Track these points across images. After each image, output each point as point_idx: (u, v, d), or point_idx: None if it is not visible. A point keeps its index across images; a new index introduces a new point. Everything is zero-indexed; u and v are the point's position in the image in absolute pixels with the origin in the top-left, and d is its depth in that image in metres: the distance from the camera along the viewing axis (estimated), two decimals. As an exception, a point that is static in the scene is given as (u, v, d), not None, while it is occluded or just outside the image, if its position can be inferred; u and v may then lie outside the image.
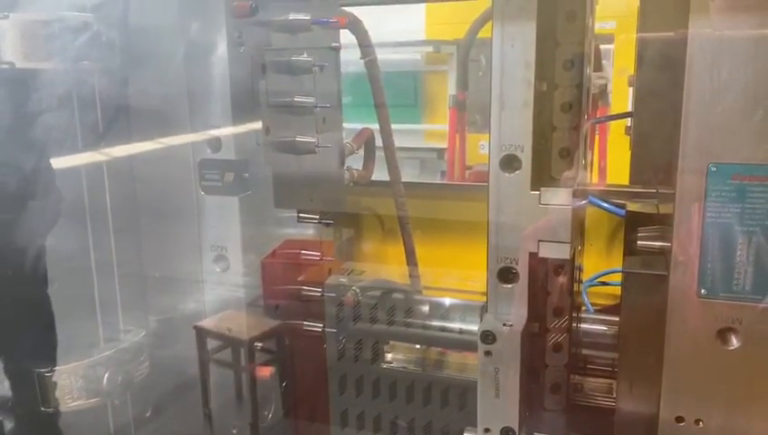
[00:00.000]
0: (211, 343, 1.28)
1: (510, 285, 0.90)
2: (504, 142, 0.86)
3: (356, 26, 1.17)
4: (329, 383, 1.28)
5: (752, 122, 0.71)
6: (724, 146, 0.73)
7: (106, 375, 1.14)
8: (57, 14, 1.01)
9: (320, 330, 1.26)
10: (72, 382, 1.10)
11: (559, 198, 0.86)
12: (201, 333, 1.27)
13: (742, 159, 0.72)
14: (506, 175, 0.87)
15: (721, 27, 0.71)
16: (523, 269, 0.89)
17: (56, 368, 1.10)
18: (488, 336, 0.90)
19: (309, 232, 1.28)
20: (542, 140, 0.92)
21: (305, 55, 1.10)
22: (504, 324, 0.89)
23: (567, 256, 0.88)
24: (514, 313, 0.90)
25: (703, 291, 0.76)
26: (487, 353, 0.90)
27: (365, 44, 1.20)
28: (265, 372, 1.25)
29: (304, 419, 1.37)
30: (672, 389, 0.79)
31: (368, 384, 1.26)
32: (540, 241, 0.87)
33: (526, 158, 0.86)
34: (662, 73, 0.88)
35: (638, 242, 0.87)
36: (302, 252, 1.27)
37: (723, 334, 0.77)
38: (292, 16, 1.09)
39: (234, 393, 1.29)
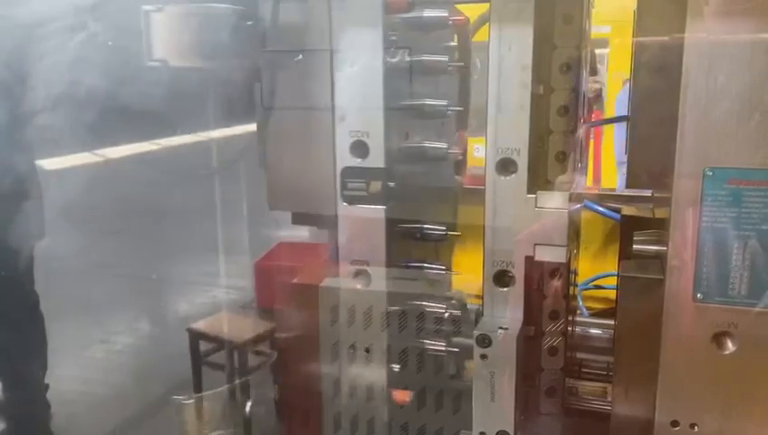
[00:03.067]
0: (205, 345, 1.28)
1: (506, 289, 0.90)
2: (501, 146, 0.86)
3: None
4: (322, 386, 1.27)
5: (748, 127, 0.71)
6: (720, 150, 0.73)
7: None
8: (204, 7, 0.91)
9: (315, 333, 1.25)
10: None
11: (555, 202, 0.85)
12: (194, 336, 1.27)
13: (738, 164, 0.73)
14: (502, 178, 0.86)
15: (717, 32, 0.71)
16: (519, 273, 0.89)
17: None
18: (484, 340, 0.89)
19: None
20: (538, 144, 0.92)
21: (438, 55, 1.02)
22: (500, 328, 0.89)
23: (563, 259, 0.87)
24: (510, 316, 0.90)
25: (699, 295, 0.76)
26: (483, 357, 0.90)
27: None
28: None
29: (297, 421, 1.36)
30: (667, 393, 0.80)
31: (361, 387, 1.25)
32: (536, 244, 0.86)
33: (522, 161, 0.85)
34: (659, 78, 0.88)
35: (634, 246, 0.87)
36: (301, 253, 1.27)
37: (718, 339, 0.77)
38: (426, 14, 0.96)
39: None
